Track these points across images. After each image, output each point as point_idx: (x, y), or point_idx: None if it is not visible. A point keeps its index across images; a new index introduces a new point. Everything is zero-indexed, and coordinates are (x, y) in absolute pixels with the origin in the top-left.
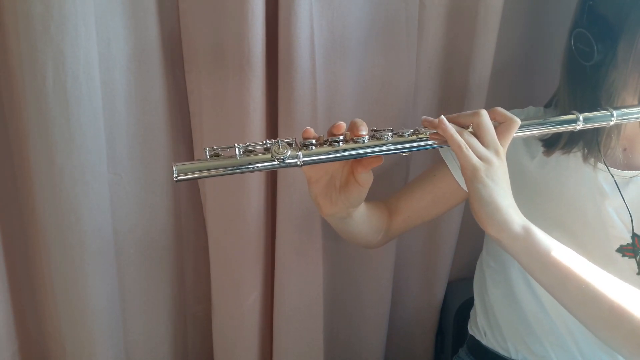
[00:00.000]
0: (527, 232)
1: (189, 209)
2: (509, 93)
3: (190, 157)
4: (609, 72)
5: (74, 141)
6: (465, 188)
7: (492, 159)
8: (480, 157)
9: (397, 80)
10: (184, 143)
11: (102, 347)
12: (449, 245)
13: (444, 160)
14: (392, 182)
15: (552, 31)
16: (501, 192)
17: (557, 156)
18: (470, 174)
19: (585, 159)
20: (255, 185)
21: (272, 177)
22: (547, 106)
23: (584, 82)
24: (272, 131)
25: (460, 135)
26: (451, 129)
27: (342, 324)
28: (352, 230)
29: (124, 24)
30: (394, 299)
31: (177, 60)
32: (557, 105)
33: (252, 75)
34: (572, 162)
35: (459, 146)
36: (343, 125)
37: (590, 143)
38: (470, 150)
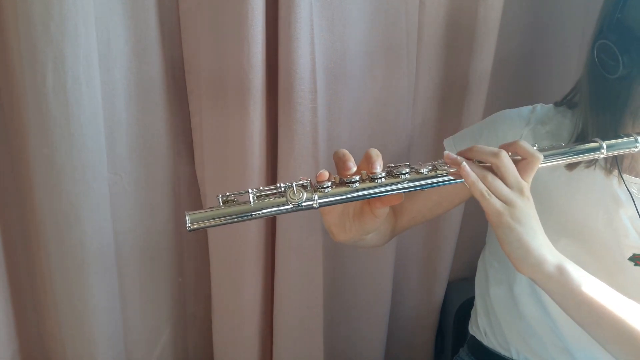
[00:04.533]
0: (560, 271)
1: (189, 209)
2: (509, 92)
3: (191, 158)
4: (634, 87)
5: (74, 141)
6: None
7: (517, 201)
8: (504, 201)
9: (397, 80)
10: (184, 143)
11: (102, 347)
12: (449, 245)
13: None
14: None
15: (551, 30)
16: (530, 233)
17: (580, 169)
18: (496, 220)
19: (608, 172)
20: (255, 185)
21: (272, 176)
22: (557, 104)
23: (607, 96)
24: (272, 130)
25: (483, 180)
26: (473, 175)
27: (342, 323)
28: (363, 245)
29: (124, 24)
30: (394, 299)
31: (177, 60)
32: (570, 106)
33: (252, 83)
34: (587, 169)
35: (482, 194)
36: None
37: (612, 157)
38: (492, 196)
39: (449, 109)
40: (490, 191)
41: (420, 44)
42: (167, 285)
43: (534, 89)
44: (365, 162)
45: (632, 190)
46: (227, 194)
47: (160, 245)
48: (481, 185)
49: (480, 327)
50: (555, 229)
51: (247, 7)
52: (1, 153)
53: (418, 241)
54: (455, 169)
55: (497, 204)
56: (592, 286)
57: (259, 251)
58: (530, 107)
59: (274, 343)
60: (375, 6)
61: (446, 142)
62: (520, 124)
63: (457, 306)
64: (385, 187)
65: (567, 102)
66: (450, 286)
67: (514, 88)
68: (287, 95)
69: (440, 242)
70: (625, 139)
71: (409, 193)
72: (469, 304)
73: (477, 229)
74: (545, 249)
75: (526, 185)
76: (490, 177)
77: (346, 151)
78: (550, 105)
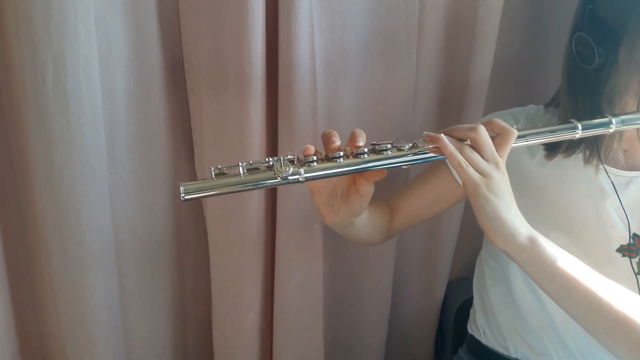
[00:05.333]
0: (533, 242)
1: (189, 209)
2: (509, 92)
3: (191, 157)
4: (610, 75)
5: (74, 141)
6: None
7: (493, 173)
8: (480, 172)
9: (397, 80)
10: (184, 143)
11: (102, 347)
12: (449, 246)
13: (443, 159)
14: (393, 180)
15: (551, 31)
16: (504, 205)
17: (559, 158)
18: (472, 190)
19: (586, 161)
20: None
21: None
22: (547, 105)
23: (585, 86)
24: (272, 129)
25: (461, 152)
26: (451, 147)
27: (342, 323)
28: (355, 234)
29: (124, 24)
30: (394, 299)
31: (177, 60)
32: (557, 105)
33: (252, 82)
34: (572, 162)
35: (459, 164)
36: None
37: (592, 146)
38: (470, 167)
39: (449, 109)
40: (468, 163)
41: (420, 44)
42: (167, 285)
43: (534, 89)
44: (350, 140)
45: (615, 182)
46: (219, 166)
47: (160, 245)
48: (459, 156)
49: (479, 326)
50: (545, 223)
51: (247, 7)
52: (1, 153)
53: (418, 241)
54: (435, 145)
55: (475, 175)
56: (564, 259)
57: (259, 251)
58: (521, 107)
59: (274, 343)
60: (375, 6)
61: None
62: (510, 122)
63: (457, 306)
64: (369, 163)
65: (554, 102)
66: (450, 286)
67: (513, 88)
68: (287, 95)
69: (440, 242)
70: (599, 120)
71: (404, 192)
72: (468, 303)
73: (477, 229)
74: (518, 221)
75: (501, 161)
76: (468, 149)
77: (332, 130)
78: (541, 106)
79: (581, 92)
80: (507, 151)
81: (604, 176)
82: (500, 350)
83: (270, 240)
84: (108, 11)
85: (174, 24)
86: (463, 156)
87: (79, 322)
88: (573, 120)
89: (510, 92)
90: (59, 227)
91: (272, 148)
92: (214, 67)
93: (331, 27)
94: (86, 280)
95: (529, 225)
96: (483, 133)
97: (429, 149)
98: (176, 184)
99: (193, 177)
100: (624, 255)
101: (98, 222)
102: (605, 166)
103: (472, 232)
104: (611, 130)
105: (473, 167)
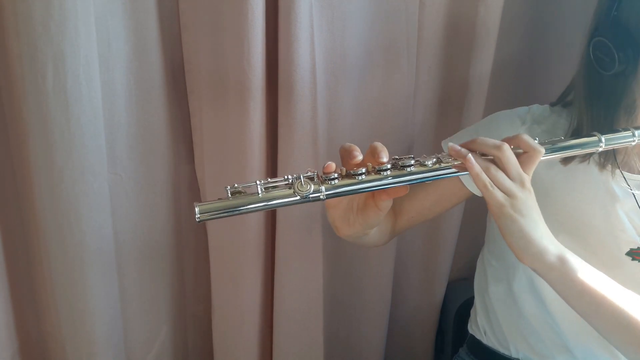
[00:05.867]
0: (561, 261)
1: (189, 209)
2: (509, 92)
3: (191, 157)
4: (629, 83)
5: (74, 141)
6: (468, 187)
7: (517, 193)
8: (505, 192)
9: (397, 80)
10: (184, 143)
11: (102, 347)
12: (449, 245)
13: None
14: None
15: (552, 30)
16: (531, 224)
17: (574, 164)
18: (497, 211)
19: (602, 167)
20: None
21: (272, 177)
22: (553, 105)
23: (602, 92)
24: (272, 130)
25: (486, 172)
26: (477, 167)
27: (342, 323)
28: (365, 242)
29: (124, 24)
30: (394, 299)
31: (177, 60)
32: (565, 105)
33: (252, 83)
34: (582, 164)
35: (484, 185)
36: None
37: (607, 151)
38: (495, 188)
39: (449, 109)
40: (493, 183)
41: (420, 44)
42: (167, 285)
43: (534, 90)
44: (371, 154)
45: (627, 185)
46: (236, 185)
47: (160, 245)
48: (484, 177)
49: (480, 326)
50: (554, 226)
51: (247, 7)
52: (1, 153)
53: (418, 241)
54: (459, 162)
55: (499, 195)
56: (592, 276)
57: (259, 251)
58: (526, 107)
59: (274, 343)
60: (376, 6)
61: (444, 143)
62: (516, 123)
63: (457, 306)
64: (391, 180)
65: (562, 102)
66: (450, 286)
67: (514, 88)
68: (287, 95)
69: (440, 242)
70: (623, 133)
71: (408, 193)
72: (469, 303)
73: (477, 229)
74: (547, 240)
75: (527, 178)
76: (493, 169)
77: (352, 144)
78: (546, 106)
79: (597, 99)
80: (533, 169)
81: (617, 180)
82: (501, 350)
83: (270, 240)
84: (108, 11)
85: (174, 24)
86: (488, 176)
87: (79, 322)
88: (596, 134)
89: (510, 92)
90: (59, 227)
91: (272, 148)
92: (214, 67)
93: (331, 27)
94: (86, 280)
95: (557, 242)
96: (508, 152)
97: (452, 165)
98: (176, 184)
99: (193, 176)
100: (633, 259)
101: (98, 222)
102: (621, 171)
103: (472, 232)
104: (634, 144)
105: (498, 187)
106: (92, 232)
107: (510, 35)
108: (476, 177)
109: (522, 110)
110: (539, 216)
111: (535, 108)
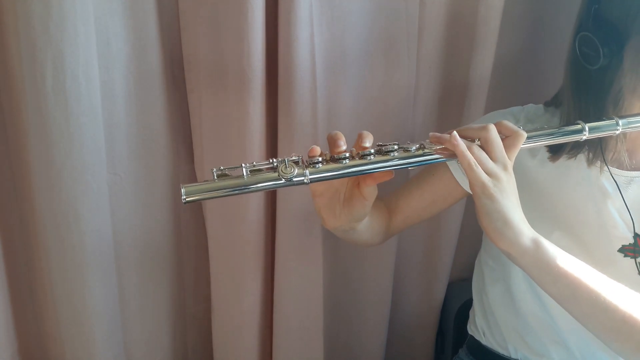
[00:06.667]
0: (536, 245)
1: (188, 209)
2: (510, 92)
3: (190, 157)
4: (615, 76)
5: (73, 141)
6: (463, 186)
7: (500, 174)
8: (488, 173)
9: (397, 80)
10: (184, 143)
11: (102, 347)
12: (449, 246)
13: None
14: (391, 180)
15: (552, 30)
16: (510, 207)
17: (563, 160)
18: (479, 190)
19: (590, 162)
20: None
21: None
22: (547, 104)
23: (589, 86)
24: (272, 129)
25: (470, 151)
26: (462, 145)
27: (342, 324)
28: (356, 238)
29: (123, 24)
30: (394, 300)
31: (176, 59)
32: (558, 105)
33: (252, 82)
34: (573, 162)
35: (469, 164)
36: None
37: (595, 147)
38: (479, 167)
39: (450, 109)
40: (477, 162)
41: (420, 43)
42: (167, 285)
43: (535, 89)
44: (356, 141)
45: (618, 182)
46: (222, 167)
47: (160, 245)
48: (469, 155)
49: (479, 327)
50: (547, 224)
51: (246, 7)
52: (0, 153)
53: (418, 241)
54: (442, 146)
55: (483, 175)
56: (567, 260)
57: (259, 251)
58: (521, 106)
59: (273, 343)
60: (376, 5)
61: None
62: (511, 122)
63: (458, 307)
64: (375, 164)
65: (555, 102)
66: (451, 287)
67: (514, 88)
68: (287, 94)
69: (440, 242)
70: (606, 122)
71: (403, 192)
72: (469, 304)
73: (477, 229)
74: (522, 224)
75: (510, 162)
76: (477, 149)
77: (338, 132)
78: (540, 105)
79: (584, 93)
80: (515, 153)
81: (607, 177)
82: (500, 351)
83: (270, 240)
84: (108, 11)
85: (174, 23)
86: (472, 155)
87: (79, 323)
88: (580, 122)
89: (510, 92)
90: (58, 227)
91: (272, 148)
92: (214, 66)
93: (331, 27)
94: (86, 280)
95: (532, 228)
96: (494, 133)
97: (435, 150)
98: (176, 184)
99: (193, 177)
100: (625, 256)
101: (97, 222)
102: (609, 167)
103: (472, 233)
104: (618, 132)
105: (481, 167)
106: (91, 232)
107: (511, 35)
108: (461, 155)
109: (516, 109)
110: (517, 202)
111: (530, 107)
